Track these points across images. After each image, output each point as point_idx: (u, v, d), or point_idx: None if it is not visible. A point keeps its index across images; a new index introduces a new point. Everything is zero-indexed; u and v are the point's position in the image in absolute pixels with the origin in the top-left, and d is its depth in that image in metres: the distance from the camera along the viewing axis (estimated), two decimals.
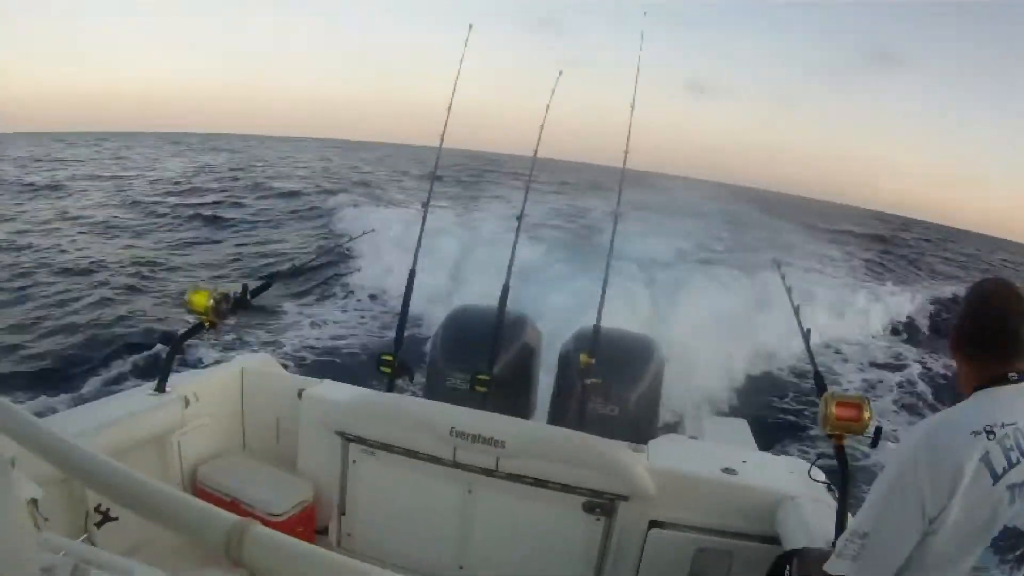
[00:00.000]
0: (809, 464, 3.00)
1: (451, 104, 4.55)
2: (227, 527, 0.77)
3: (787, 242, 21.07)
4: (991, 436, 1.55)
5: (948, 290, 17.62)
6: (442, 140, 4.67)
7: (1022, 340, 1.69)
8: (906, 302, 15.57)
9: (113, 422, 2.95)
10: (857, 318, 13.66)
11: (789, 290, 3.63)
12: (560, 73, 4.62)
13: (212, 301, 3.22)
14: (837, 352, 11.97)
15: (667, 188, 25.44)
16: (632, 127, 4.47)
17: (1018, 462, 1.55)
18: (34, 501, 1.44)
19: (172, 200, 22.45)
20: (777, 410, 8.28)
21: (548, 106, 4.58)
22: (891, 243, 33.11)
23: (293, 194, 24.66)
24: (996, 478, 1.53)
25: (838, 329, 12.66)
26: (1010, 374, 1.65)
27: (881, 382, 10.86)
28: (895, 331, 14.03)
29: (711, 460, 3.11)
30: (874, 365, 11.74)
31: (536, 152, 4.58)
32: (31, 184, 24.34)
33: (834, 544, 2.37)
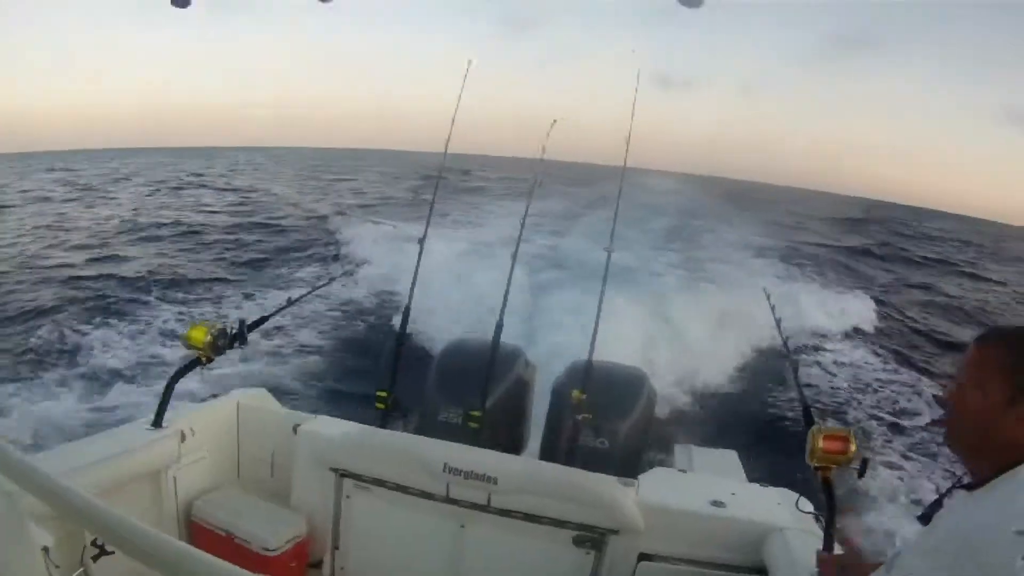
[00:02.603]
0: (797, 495, 3.06)
1: (450, 133, 4.70)
2: None
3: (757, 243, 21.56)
4: None
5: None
6: (439, 174, 4.78)
7: None
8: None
9: (110, 457, 2.99)
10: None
11: (779, 322, 3.70)
12: (554, 122, 4.74)
13: (209, 337, 3.27)
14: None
15: (642, 184, 25.70)
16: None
17: None
18: (46, 549, 1.48)
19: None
20: (765, 439, 8.30)
21: (544, 148, 4.70)
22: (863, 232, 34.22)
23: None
24: None
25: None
26: None
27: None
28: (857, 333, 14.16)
29: (700, 493, 3.16)
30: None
31: (530, 198, 4.67)
32: None
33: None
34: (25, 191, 30.47)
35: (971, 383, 1.56)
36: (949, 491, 1.66)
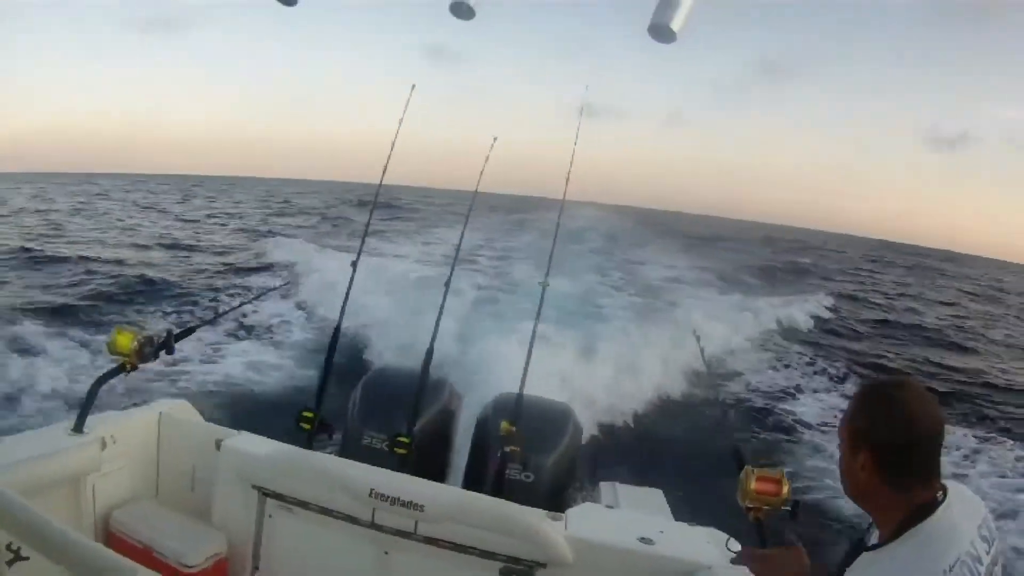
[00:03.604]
0: (727, 536, 3.09)
1: (387, 163, 4.69)
2: None
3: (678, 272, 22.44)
4: None
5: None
6: (376, 198, 4.77)
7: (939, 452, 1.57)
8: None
9: (29, 460, 2.90)
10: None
11: (709, 363, 3.77)
12: (495, 139, 4.81)
13: (136, 344, 3.21)
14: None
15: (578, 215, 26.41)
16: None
17: None
18: None
19: None
20: (691, 478, 8.37)
21: (482, 171, 4.76)
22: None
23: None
24: None
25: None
26: (937, 495, 1.54)
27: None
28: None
29: (629, 530, 3.16)
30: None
31: (466, 222, 4.69)
32: None
33: None
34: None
35: (841, 443, 1.68)
36: (855, 551, 1.68)
